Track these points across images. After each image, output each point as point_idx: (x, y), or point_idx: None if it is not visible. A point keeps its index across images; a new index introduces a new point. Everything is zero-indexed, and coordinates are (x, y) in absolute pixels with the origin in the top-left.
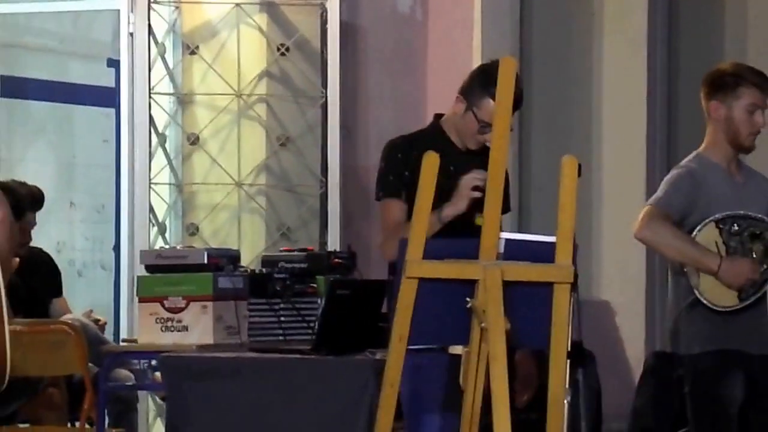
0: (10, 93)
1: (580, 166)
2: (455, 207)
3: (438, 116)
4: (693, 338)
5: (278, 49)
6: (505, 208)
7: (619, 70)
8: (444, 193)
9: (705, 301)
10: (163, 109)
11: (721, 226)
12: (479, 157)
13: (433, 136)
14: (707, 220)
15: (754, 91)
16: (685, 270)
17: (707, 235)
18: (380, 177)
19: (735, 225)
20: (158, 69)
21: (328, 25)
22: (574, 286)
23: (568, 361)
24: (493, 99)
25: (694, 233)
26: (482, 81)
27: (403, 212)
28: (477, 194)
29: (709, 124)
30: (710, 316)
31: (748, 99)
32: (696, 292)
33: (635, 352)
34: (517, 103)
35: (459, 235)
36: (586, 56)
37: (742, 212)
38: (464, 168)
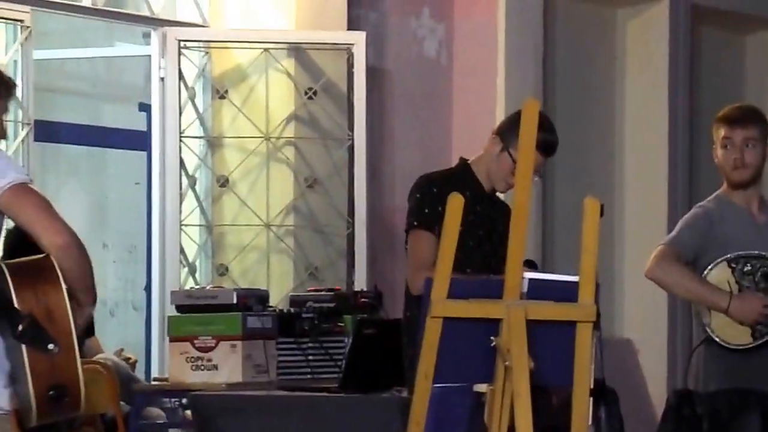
0: (44, 137)
1: (602, 206)
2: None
3: (463, 159)
4: (709, 376)
5: (306, 93)
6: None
7: (642, 113)
8: (474, 231)
9: (717, 339)
10: (194, 152)
11: (733, 265)
12: (500, 201)
13: (463, 176)
14: (719, 260)
15: (722, 125)
16: (698, 309)
17: (719, 274)
18: (414, 208)
19: (748, 265)
20: (189, 113)
21: (355, 69)
22: (597, 325)
23: (591, 398)
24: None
25: (706, 272)
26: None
27: (434, 246)
28: None
29: None
30: (724, 354)
31: (719, 134)
32: (708, 330)
33: (657, 389)
34: (552, 149)
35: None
36: (609, 99)
37: (756, 252)
38: (489, 209)
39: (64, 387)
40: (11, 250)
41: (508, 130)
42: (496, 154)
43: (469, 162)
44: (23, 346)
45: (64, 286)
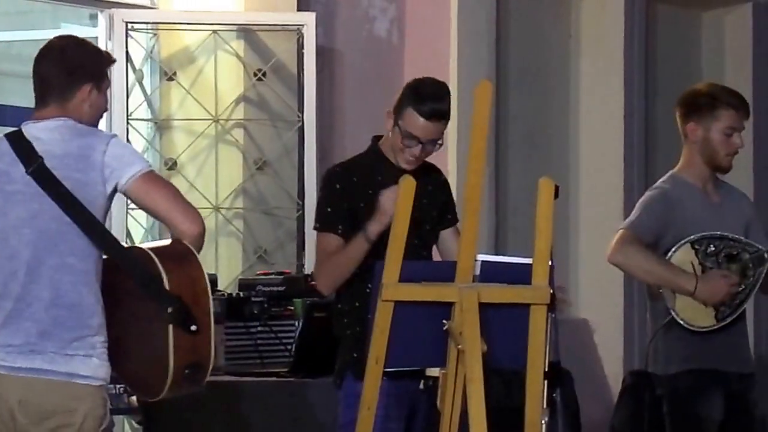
0: None
1: (557, 187)
2: (380, 223)
3: (376, 138)
4: (670, 358)
5: (255, 74)
6: (455, 219)
7: (597, 92)
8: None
9: (681, 322)
10: (141, 135)
11: (696, 247)
12: (417, 176)
13: (371, 158)
14: (683, 242)
15: (731, 113)
16: (661, 291)
17: (683, 256)
18: (318, 208)
19: (711, 246)
20: (136, 95)
21: (305, 50)
22: (552, 307)
23: (546, 381)
24: (415, 110)
25: (669, 254)
26: (407, 94)
27: (339, 246)
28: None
29: (685, 145)
30: (687, 336)
31: (726, 122)
32: (672, 313)
33: (613, 370)
34: (443, 115)
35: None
36: (563, 78)
37: (718, 233)
38: (418, 188)
39: (200, 364)
40: None
41: (398, 104)
42: (390, 130)
43: (379, 143)
44: (170, 326)
45: (204, 269)
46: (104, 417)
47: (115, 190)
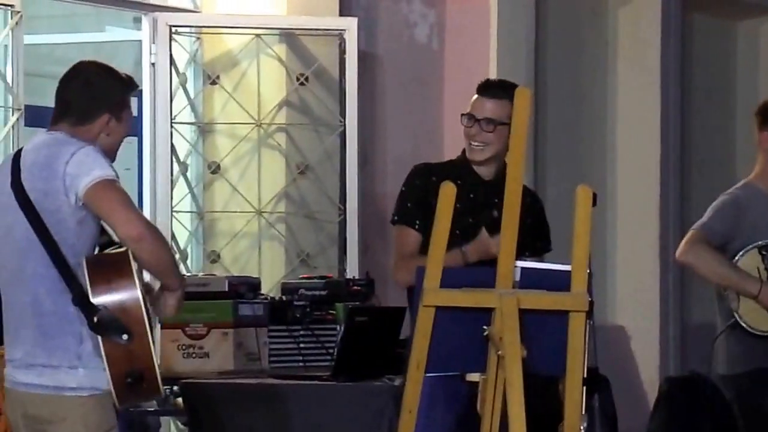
0: (34, 122)
1: (594, 195)
2: (479, 255)
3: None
4: (735, 359)
5: (297, 79)
6: (545, 248)
7: (634, 98)
8: (462, 220)
9: (744, 325)
10: (185, 138)
11: (764, 252)
12: (498, 187)
13: (457, 163)
14: (750, 247)
15: None
16: (726, 293)
17: (750, 261)
18: (398, 201)
19: None
20: (180, 99)
21: (347, 55)
22: (590, 314)
23: (584, 387)
24: (478, 92)
25: (737, 258)
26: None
27: (416, 241)
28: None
29: (759, 154)
30: (749, 338)
31: None
32: (736, 316)
33: (650, 376)
34: (498, 93)
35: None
36: (601, 85)
37: None
38: (485, 197)
39: (141, 373)
40: None
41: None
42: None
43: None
44: (98, 337)
45: (136, 277)
46: (101, 425)
47: (78, 200)
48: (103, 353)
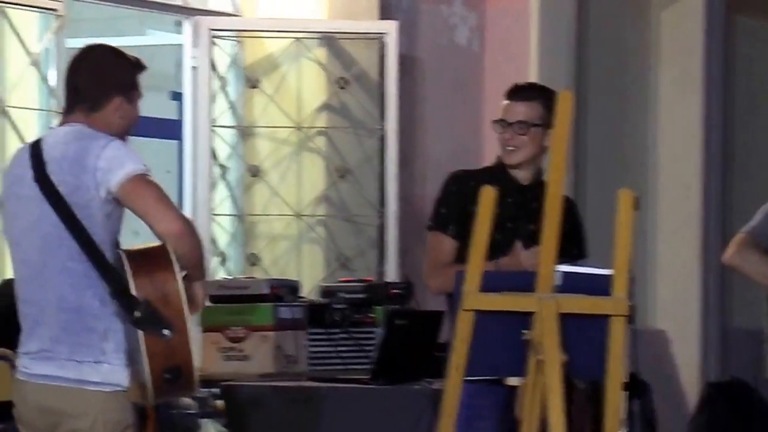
0: None
1: (636, 199)
2: (515, 267)
3: None
4: None
5: (338, 82)
6: (581, 254)
7: (675, 100)
8: (501, 225)
9: None
10: (225, 142)
11: None
12: (535, 192)
13: (495, 169)
14: None
15: None
16: None
17: None
18: (434, 208)
19: None
20: (220, 102)
21: (387, 58)
22: (631, 319)
23: (624, 392)
24: (507, 98)
25: None
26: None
27: (450, 248)
28: None
29: None
30: None
31: None
32: None
33: (690, 381)
34: (527, 95)
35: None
36: (642, 88)
37: None
38: (522, 202)
39: (179, 368)
40: None
41: None
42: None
43: None
44: (140, 331)
45: (177, 272)
46: (120, 423)
47: (109, 194)
48: (143, 348)
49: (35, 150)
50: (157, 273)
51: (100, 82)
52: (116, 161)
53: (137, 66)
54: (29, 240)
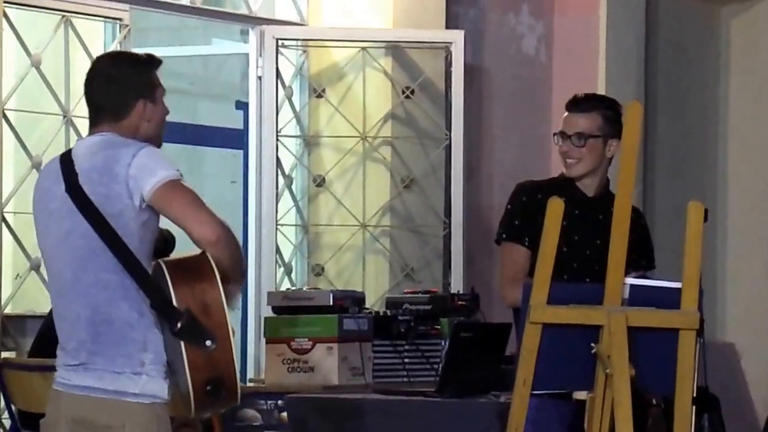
0: None
1: (706, 211)
2: None
3: None
4: None
5: (403, 92)
6: (649, 265)
7: (746, 111)
8: (568, 236)
9: None
10: (290, 151)
11: None
12: (602, 203)
13: (561, 181)
14: None
15: None
16: None
17: None
18: (504, 219)
19: None
20: (285, 111)
21: (453, 67)
22: (700, 332)
23: (694, 406)
24: (567, 109)
25: None
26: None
27: (526, 258)
28: None
29: None
30: None
31: None
32: None
33: (761, 395)
34: (586, 107)
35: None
36: (712, 97)
37: None
38: (589, 214)
39: (221, 380)
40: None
41: None
42: None
43: None
44: (181, 342)
45: (219, 281)
46: None
47: (143, 202)
48: (185, 359)
49: (66, 161)
50: (197, 283)
51: (119, 93)
52: (147, 168)
53: (151, 63)
54: (60, 254)
